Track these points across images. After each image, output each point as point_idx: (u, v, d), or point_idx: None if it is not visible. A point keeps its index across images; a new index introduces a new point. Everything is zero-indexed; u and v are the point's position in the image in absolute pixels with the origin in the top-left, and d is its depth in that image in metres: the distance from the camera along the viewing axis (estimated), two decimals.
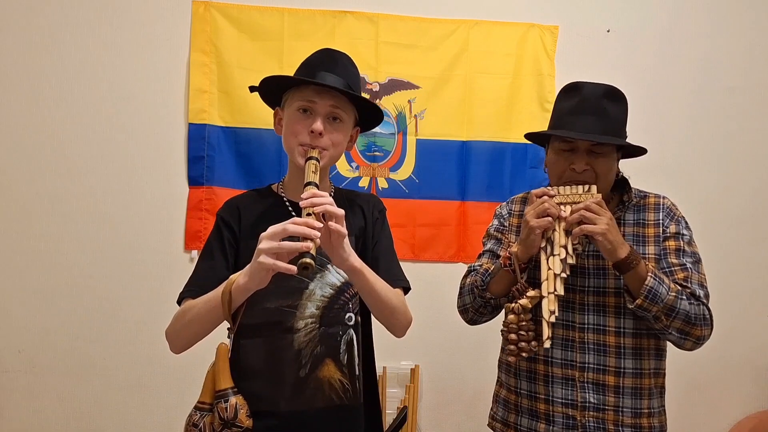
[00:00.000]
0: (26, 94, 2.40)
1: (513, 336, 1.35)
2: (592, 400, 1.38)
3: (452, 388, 2.52)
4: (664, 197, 1.48)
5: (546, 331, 1.30)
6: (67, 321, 2.40)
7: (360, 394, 1.26)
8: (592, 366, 1.39)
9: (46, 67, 2.41)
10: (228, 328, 1.20)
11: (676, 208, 1.47)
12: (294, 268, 1.00)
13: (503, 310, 1.42)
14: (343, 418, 1.24)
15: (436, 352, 2.51)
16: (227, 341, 1.21)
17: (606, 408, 1.38)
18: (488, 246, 1.58)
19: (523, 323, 1.34)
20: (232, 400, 1.11)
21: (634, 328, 1.38)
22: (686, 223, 1.45)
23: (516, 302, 1.34)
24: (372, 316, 1.34)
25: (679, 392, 2.47)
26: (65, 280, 2.40)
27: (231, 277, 1.10)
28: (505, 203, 1.64)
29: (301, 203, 1.08)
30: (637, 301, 1.29)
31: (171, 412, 2.43)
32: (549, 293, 1.31)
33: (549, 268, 1.32)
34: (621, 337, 1.38)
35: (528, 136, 1.55)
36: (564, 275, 1.31)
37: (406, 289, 1.32)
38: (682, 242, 1.41)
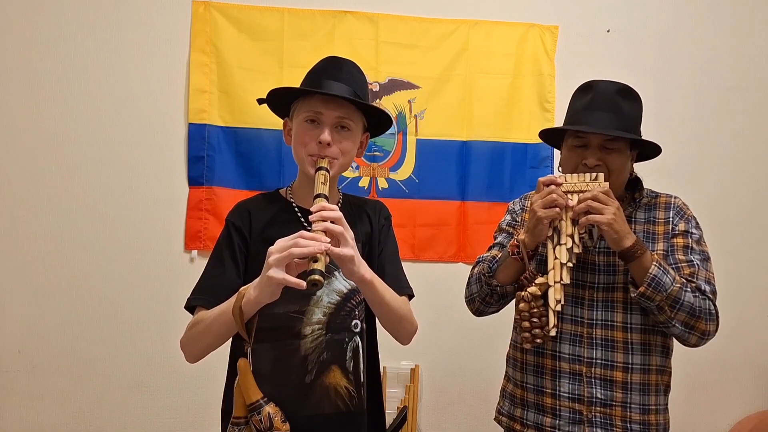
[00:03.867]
0: (26, 94, 2.40)
1: (526, 323, 1.36)
2: (599, 395, 1.38)
3: (452, 388, 2.52)
4: (675, 197, 1.49)
5: (552, 320, 1.31)
6: (67, 321, 2.40)
7: (364, 401, 1.27)
8: (599, 361, 1.39)
9: (46, 67, 2.41)
10: (243, 341, 1.19)
11: (687, 208, 1.47)
12: (303, 283, 0.99)
13: (513, 301, 1.42)
14: (348, 424, 1.24)
15: (436, 352, 2.51)
16: (242, 358, 1.19)
17: (613, 404, 1.38)
18: (499, 239, 1.59)
19: (535, 310, 1.35)
20: (265, 410, 1.12)
21: (642, 324, 1.39)
22: (696, 222, 1.45)
23: (525, 290, 1.35)
24: (377, 323, 1.34)
25: (679, 392, 2.44)
26: (65, 280, 2.40)
27: (241, 290, 1.10)
28: (518, 199, 1.65)
29: (311, 217, 1.08)
30: (640, 289, 1.29)
31: (171, 412, 2.43)
32: (555, 282, 1.32)
33: (555, 258, 1.33)
34: (629, 333, 1.39)
35: (542, 134, 1.56)
36: (570, 264, 1.32)
37: (410, 296, 1.33)
38: (690, 240, 1.41)
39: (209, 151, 2.45)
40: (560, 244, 1.33)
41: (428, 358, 2.50)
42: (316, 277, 0.99)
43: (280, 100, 1.32)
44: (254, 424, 1.11)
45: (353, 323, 1.25)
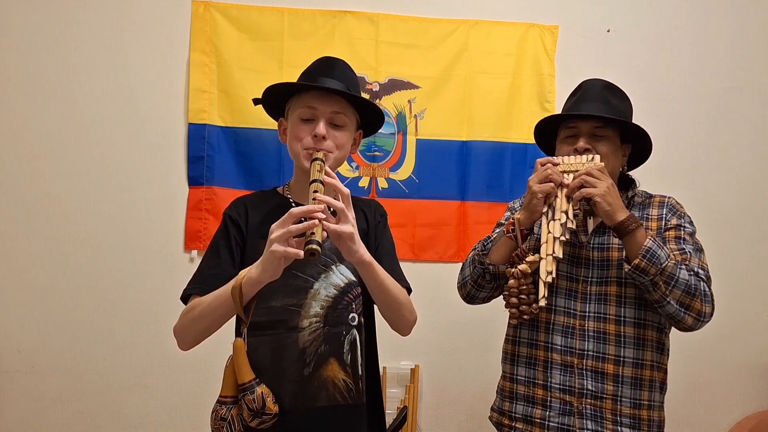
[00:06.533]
0: (26, 94, 2.40)
1: (514, 300, 1.39)
2: (590, 387, 1.39)
3: (452, 388, 2.52)
4: (669, 197, 1.52)
5: (542, 290, 1.33)
6: (67, 321, 2.40)
7: (363, 394, 1.28)
8: (591, 353, 1.40)
9: (46, 66, 2.41)
10: (240, 324, 1.22)
11: (681, 206, 1.49)
12: (302, 252, 1.02)
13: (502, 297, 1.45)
14: (347, 417, 1.25)
15: (436, 352, 2.51)
16: (238, 338, 1.23)
17: (604, 396, 1.39)
18: (496, 232, 1.60)
19: (524, 287, 1.38)
20: (258, 390, 1.15)
21: (635, 317, 1.40)
22: (690, 220, 1.47)
23: (516, 267, 1.37)
24: (375, 318, 1.36)
25: (679, 392, 2.46)
26: (65, 280, 2.40)
27: (241, 272, 1.12)
28: (518, 198, 1.67)
29: (314, 190, 1.12)
30: (634, 261, 1.29)
31: (171, 412, 2.43)
32: (547, 255, 1.34)
33: (549, 232, 1.36)
34: (621, 326, 1.40)
35: (536, 134, 1.60)
36: (563, 239, 1.35)
37: (409, 291, 1.34)
38: (683, 232, 1.42)
39: (209, 151, 2.44)
40: (554, 220, 1.36)
41: (428, 358, 2.51)
42: (313, 246, 1.01)
43: (275, 100, 1.35)
44: (247, 403, 1.14)
45: (350, 317, 1.27)
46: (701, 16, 2.61)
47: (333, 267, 1.27)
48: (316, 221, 1.04)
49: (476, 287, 1.53)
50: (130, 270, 2.42)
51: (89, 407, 2.41)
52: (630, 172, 1.58)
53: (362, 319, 1.30)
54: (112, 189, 2.43)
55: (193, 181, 2.45)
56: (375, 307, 1.34)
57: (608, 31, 2.59)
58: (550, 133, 1.57)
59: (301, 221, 1.07)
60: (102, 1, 2.43)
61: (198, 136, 2.44)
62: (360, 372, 1.27)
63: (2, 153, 2.40)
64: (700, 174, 2.60)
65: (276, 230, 1.06)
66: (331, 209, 1.11)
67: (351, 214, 1.12)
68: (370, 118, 1.39)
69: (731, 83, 2.61)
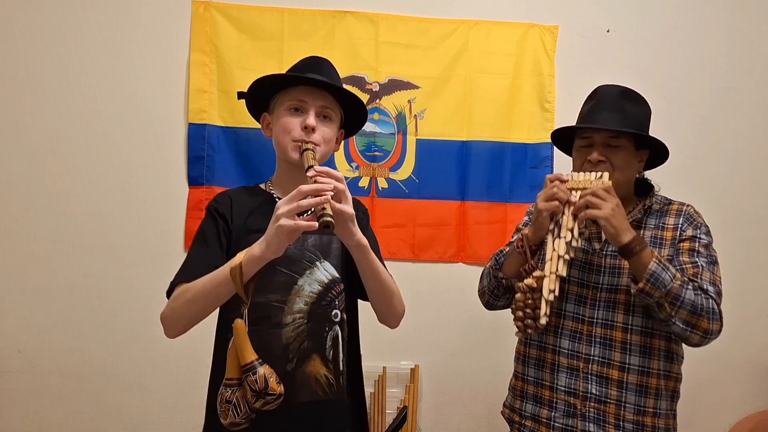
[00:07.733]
0: (26, 94, 2.40)
1: (519, 313, 1.40)
2: (594, 391, 1.41)
3: (452, 388, 2.52)
4: (688, 205, 1.51)
5: (543, 308, 1.33)
6: (67, 321, 2.40)
7: (344, 390, 1.28)
8: (597, 358, 1.42)
9: (46, 66, 2.41)
10: (240, 306, 1.21)
11: (699, 216, 1.49)
12: (315, 224, 1.04)
13: None
14: (328, 412, 1.26)
15: (436, 352, 2.51)
16: (239, 319, 1.21)
17: (608, 401, 1.40)
18: (514, 237, 1.62)
19: (530, 301, 1.38)
20: (260, 370, 1.14)
21: (642, 326, 1.40)
22: (707, 230, 1.46)
23: (523, 282, 1.38)
24: (359, 315, 1.37)
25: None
26: (65, 280, 2.40)
27: (239, 254, 1.12)
28: None
29: (314, 175, 1.13)
30: (639, 284, 1.30)
31: (171, 412, 2.43)
32: (551, 273, 1.34)
33: (554, 250, 1.36)
34: (628, 334, 1.41)
35: (554, 139, 1.61)
36: (568, 257, 1.34)
37: None
38: (697, 244, 1.42)
39: (209, 151, 2.45)
40: (560, 237, 1.36)
41: (428, 358, 2.50)
42: (328, 219, 1.03)
43: (260, 95, 1.35)
44: (249, 384, 1.13)
45: (333, 313, 1.28)
46: (701, 16, 2.61)
47: (317, 263, 1.28)
48: (328, 197, 1.06)
49: (494, 297, 1.59)
50: (129, 270, 2.42)
51: (89, 407, 2.41)
52: (649, 177, 1.58)
53: (345, 316, 1.30)
54: (112, 189, 2.43)
55: (193, 181, 2.45)
56: (358, 303, 1.36)
57: (608, 31, 2.59)
58: (565, 138, 1.57)
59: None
60: (102, 2, 2.43)
61: (198, 136, 2.44)
62: (341, 368, 1.28)
63: (2, 153, 2.40)
64: (700, 174, 2.59)
65: (283, 206, 1.07)
66: None
67: (350, 196, 1.14)
68: (353, 117, 1.41)
69: (730, 83, 2.61)
